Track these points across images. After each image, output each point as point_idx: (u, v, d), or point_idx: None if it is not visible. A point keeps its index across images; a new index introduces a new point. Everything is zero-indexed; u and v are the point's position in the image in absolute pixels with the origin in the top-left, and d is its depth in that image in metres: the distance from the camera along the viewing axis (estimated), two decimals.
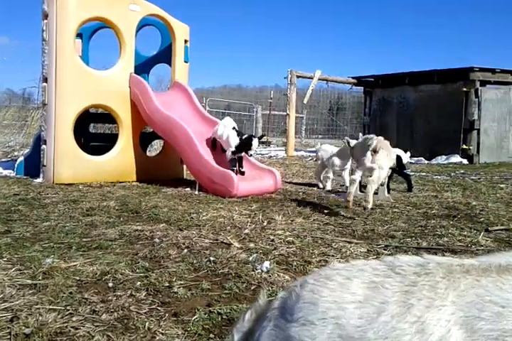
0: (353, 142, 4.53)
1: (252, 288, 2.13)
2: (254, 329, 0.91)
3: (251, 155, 5.10)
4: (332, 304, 0.80)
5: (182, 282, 2.16)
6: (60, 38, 5.19)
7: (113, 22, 5.56)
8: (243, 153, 5.13)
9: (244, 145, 4.98)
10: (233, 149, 5.02)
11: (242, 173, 5.11)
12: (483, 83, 11.36)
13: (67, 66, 5.23)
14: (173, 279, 2.19)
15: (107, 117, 6.11)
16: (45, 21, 5.25)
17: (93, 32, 6.91)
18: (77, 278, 2.16)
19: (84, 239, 2.86)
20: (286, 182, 6.07)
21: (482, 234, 3.26)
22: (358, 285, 0.82)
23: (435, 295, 0.78)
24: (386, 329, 0.75)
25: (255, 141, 5.01)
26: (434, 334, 0.74)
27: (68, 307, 1.82)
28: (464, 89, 11.14)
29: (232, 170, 5.00)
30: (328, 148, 5.67)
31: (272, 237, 3.03)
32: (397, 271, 0.85)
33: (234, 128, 5.21)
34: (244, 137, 5.03)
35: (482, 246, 2.95)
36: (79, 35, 6.26)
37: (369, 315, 0.78)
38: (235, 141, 5.03)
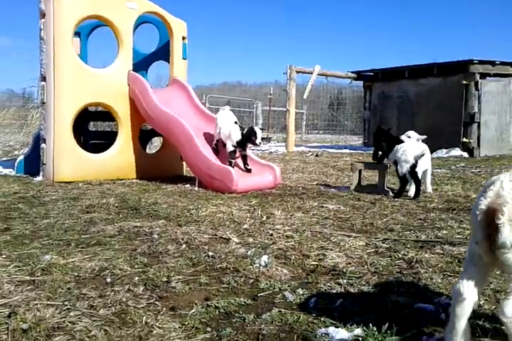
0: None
1: (250, 282, 2.13)
2: None
3: (259, 143, 5.08)
4: None
5: (180, 277, 2.17)
6: (57, 37, 5.19)
7: (110, 20, 5.56)
8: (247, 151, 5.15)
9: (249, 137, 4.99)
10: (234, 143, 5.03)
11: (249, 170, 5.11)
12: (483, 75, 11.31)
13: (65, 64, 5.23)
14: (171, 274, 2.19)
15: (106, 115, 6.12)
16: (43, 20, 5.25)
17: (91, 30, 6.90)
18: (76, 273, 2.17)
19: (83, 236, 2.87)
20: (286, 177, 6.07)
21: None
22: None
23: None
24: None
25: (258, 129, 5.08)
26: None
27: (66, 303, 1.83)
28: (464, 81, 11.11)
29: (231, 163, 5.01)
30: None
31: (270, 232, 3.04)
32: None
33: (236, 122, 5.23)
34: (245, 131, 5.05)
35: None
36: (77, 34, 6.27)
37: None
38: (237, 135, 5.04)
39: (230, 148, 5.09)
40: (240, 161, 5.20)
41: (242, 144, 5.06)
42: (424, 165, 4.68)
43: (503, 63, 11.38)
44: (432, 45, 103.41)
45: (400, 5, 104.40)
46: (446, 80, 11.59)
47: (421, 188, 4.55)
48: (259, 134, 5.00)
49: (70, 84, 5.25)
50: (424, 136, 4.95)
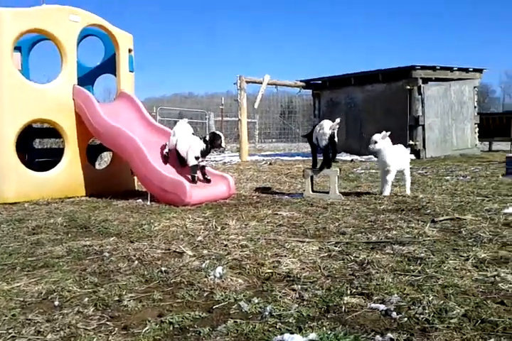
0: None
1: (205, 294, 2.11)
2: None
3: (225, 146, 5.14)
4: None
5: (132, 294, 2.11)
6: None
7: (52, 33, 5.41)
8: (205, 162, 5.13)
9: (213, 141, 5.01)
10: (197, 154, 4.99)
11: (208, 181, 5.08)
12: (425, 80, 11.85)
13: (4, 81, 5.03)
14: (123, 292, 2.13)
15: (52, 131, 5.93)
16: None
17: (32, 44, 6.69)
18: (21, 299, 2.07)
19: (30, 259, 2.75)
20: (240, 186, 6.08)
21: (428, 225, 3.37)
22: None
23: None
24: None
25: (220, 133, 5.15)
26: None
27: (10, 330, 1.74)
28: (408, 87, 11.58)
29: (194, 178, 4.97)
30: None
31: (225, 242, 3.02)
32: None
33: (193, 134, 5.22)
34: (208, 137, 5.06)
35: (428, 236, 3.05)
36: (17, 48, 6.06)
37: None
38: (199, 145, 5.01)
39: (192, 161, 5.02)
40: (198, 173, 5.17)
41: (206, 152, 5.04)
42: (400, 164, 4.88)
43: (442, 68, 11.96)
44: (376, 52, 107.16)
45: (345, 15, 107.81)
46: (390, 86, 12.03)
47: (331, 159, 4.89)
48: (222, 137, 5.07)
49: (11, 101, 5.05)
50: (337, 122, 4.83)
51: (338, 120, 4.76)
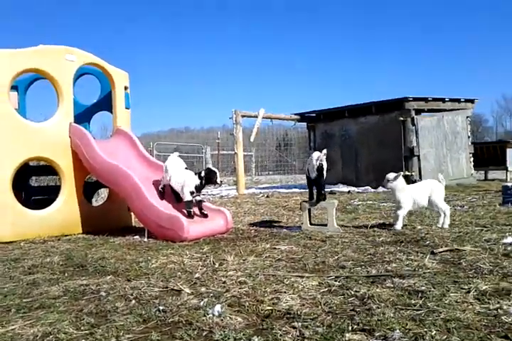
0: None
1: (204, 334, 2.06)
2: None
3: (221, 182, 5.09)
4: None
5: (130, 335, 2.07)
6: None
7: (49, 73, 5.52)
8: (202, 196, 5.12)
9: (209, 178, 4.98)
10: (192, 189, 4.98)
11: (206, 216, 5.06)
12: (418, 111, 12.04)
13: (2, 120, 5.09)
14: (121, 333, 2.09)
15: (49, 169, 5.95)
16: None
17: (29, 84, 6.82)
18: None
19: (25, 300, 2.70)
20: (238, 220, 6.05)
21: (428, 256, 3.35)
22: None
23: None
24: None
25: (215, 169, 5.11)
26: None
27: None
28: (401, 118, 11.74)
29: (189, 213, 4.94)
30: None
31: (223, 279, 2.98)
32: None
33: (186, 168, 5.23)
34: (203, 172, 5.04)
35: (428, 268, 3.03)
36: (14, 88, 6.17)
37: None
38: (193, 181, 5.00)
39: (187, 197, 5.01)
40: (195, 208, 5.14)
41: (200, 188, 5.03)
42: (419, 202, 4.84)
43: (434, 99, 12.18)
44: (369, 84, 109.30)
45: (336, 49, 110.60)
46: (384, 117, 12.21)
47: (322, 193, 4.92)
48: (218, 173, 5.05)
49: (8, 139, 5.09)
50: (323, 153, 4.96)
51: (324, 151, 4.88)
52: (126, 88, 6.36)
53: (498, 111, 65.79)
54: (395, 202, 4.89)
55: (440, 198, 4.84)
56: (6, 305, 2.60)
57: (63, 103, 5.63)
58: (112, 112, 6.29)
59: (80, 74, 6.46)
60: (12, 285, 3.06)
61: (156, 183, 5.38)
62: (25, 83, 6.72)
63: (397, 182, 4.85)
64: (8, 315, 2.44)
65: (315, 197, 5.04)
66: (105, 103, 6.49)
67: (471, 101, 13.22)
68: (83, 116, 6.67)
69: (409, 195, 4.79)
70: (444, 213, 4.79)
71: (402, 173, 4.92)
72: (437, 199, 4.82)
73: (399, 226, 4.73)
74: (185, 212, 5.00)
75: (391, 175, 4.89)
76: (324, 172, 4.88)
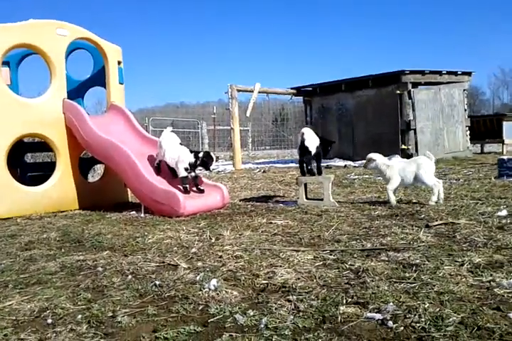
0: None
1: (200, 308, 2.08)
2: None
3: (212, 169, 5.13)
4: None
5: (126, 310, 2.09)
6: None
7: (40, 48, 5.40)
8: (198, 171, 5.10)
9: (205, 161, 4.96)
10: (186, 166, 4.96)
11: (202, 191, 5.06)
12: (415, 85, 11.94)
13: None
14: (117, 308, 2.11)
15: (43, 145, 5.90)
16: None
17: (21, 59, 6.69)
18: (13, 317, 2.04)
19: (22, 275, 2.72)
20: (234, 195, 6.06)
21: (423, 230, 3.37)
22: None
23: None
24: None
25: (214, 156, 5.08)
26: None
27: None
28: (398, 91, 11.64)
29: (185, 188, 4.94)
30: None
31: (220, 253, 3.00)
32: None
33: (181, 144, 5.20)
34: (201, 155, 5.00)
35: (423, 242, 3.05)
36: (6, 63, 6.05)
37: None
38: (188, 157, 4.98)
39: (182, 173, 4.99)
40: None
41: (194, 166, 5.00)
42: (406, 179, 4.73)
43: (431, 72, 12.05)
44: (366, 57, 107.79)
45: (332, 22, 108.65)
46: (381, 91, 12.10)
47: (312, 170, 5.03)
48: (215, 160, 5.04)
49: (0, 116, 5.03)
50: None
51: (302, 129, 5.12)
52: (119, 63, 6.25)
53: (495, 83, 65.31)
54: (384, 179, 4.87)
55: (427, 175, 4.69)
56: (3, 281, 2.62)
57: (56, 78, 5.54)
58: (105, 87, 6.20)
59: (73, 49, 6.34)
60: (9, 261, 3.08)
61: (151, 159, 5.35)
62: (17, 58, 6.58)
63: (379, 162, 4.79)
64: (5, 290, 2.45)
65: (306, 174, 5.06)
66: (99, 78, 6.39)
67: (468, 73, 13.09)
68: (77, 91, 6.57)
69: (396, 172, 4.74)
70: (433, 190, 4.67)
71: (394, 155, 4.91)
72: (424, 176, 4.67)
73: (392, 201, 4.68)
74: (181, 187, 4.99)
75: (371, 156, 4.86)
76: (311, 150, 4.93)
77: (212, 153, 5.14)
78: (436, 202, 4.60)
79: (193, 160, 4.96)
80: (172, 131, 5.42)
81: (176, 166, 5.02)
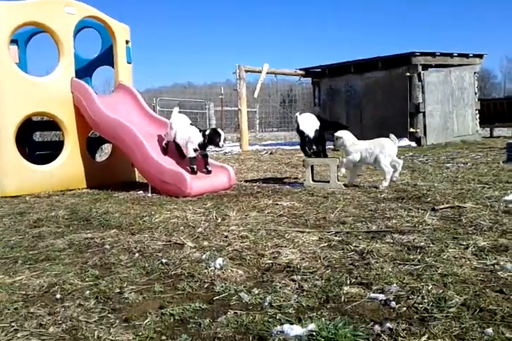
0: None
1: (205, 286, 2.12)
2: None
3: (222, 145, 5.11)
4: None
5: (133, 287, 2.13)
6: None
7: (48, 26, 5.37)
8: (206, 151, 5.10)
9: (212, 138, 4.94)
10: (195, 147, 4.97)
11: (209, 172, 5.08)
12: (425, 67, 11.76)
13: (2, 75, 5.01)
14: (124, 285, 2.15)
15: (52, 124, 5.92)
16: None
17: (29, 37, 6.66)
18: (23, 292, 2.09)
19: (31, 252, 2.77)
20: (241, 177, 6.08)
21: (428, 213, 3.38)
22: None
23: None
24: None
25: (221, 131, 5.05)
26: None
27: (13, 324, 1.76)
28: (408, 73, 11.49)
29: (193, 169, 4.96)
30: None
31: (225, 233, 3.03)
32: None
33: (191, 124, 5.19)
34: (208, 132, 4.99)
35: (428, 225, 3.06)
36: (14, 42, 6.03)
37: None
38: (198, 138, 4.98)
39: (190, 153, 4.99)
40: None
41: (204, 146, 5.01)
42: (368, 159, 4.85)
43: (442, 54, 11.86)
44: (376, 39, 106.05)
45: (342, 4, 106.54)
46: (390, 73, 11.94)
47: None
48: (223, 136, 5.00)
49: (9, 94, 5.04)
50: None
51: (296, 113, 5.30)
52: (127, 42, 6.20)
53: (507, 66, 64.12)
54: (346, 155, 4.94)
55: (385, 159, 4.67)
56: (12, 257, 2.67)
57: (64, 57, 5.52)
58: (113, 67, 6.17)
59: (81, 27, 6.29)
60: (18, 238, 3.13)
61: (159, 139, 5.36)
62: (25, 37, 6.56)
63: (344, 139, 4.88)
64: (15, 266, 2.51)
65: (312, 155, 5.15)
66: (107, 57, 6.35)
67: (480, 56, 12.87)
68: (85, 70, 6.56)
69: (358, 150, 4.81)
70: (385, 175, 4.67)
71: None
72: (381, 159, 4.66)
73: (340, 174, 4.89)
74: (188, 168, 5.01)
75: (338, 133, 4.95)
76: (308, 133, 5.05)
77: (219, 129, 5.12)
78: (385, 186, 4.65)
79: (202, 139, 4.96)
80: (180, 112, 5.41)
81: (186, 146, 5.03)
